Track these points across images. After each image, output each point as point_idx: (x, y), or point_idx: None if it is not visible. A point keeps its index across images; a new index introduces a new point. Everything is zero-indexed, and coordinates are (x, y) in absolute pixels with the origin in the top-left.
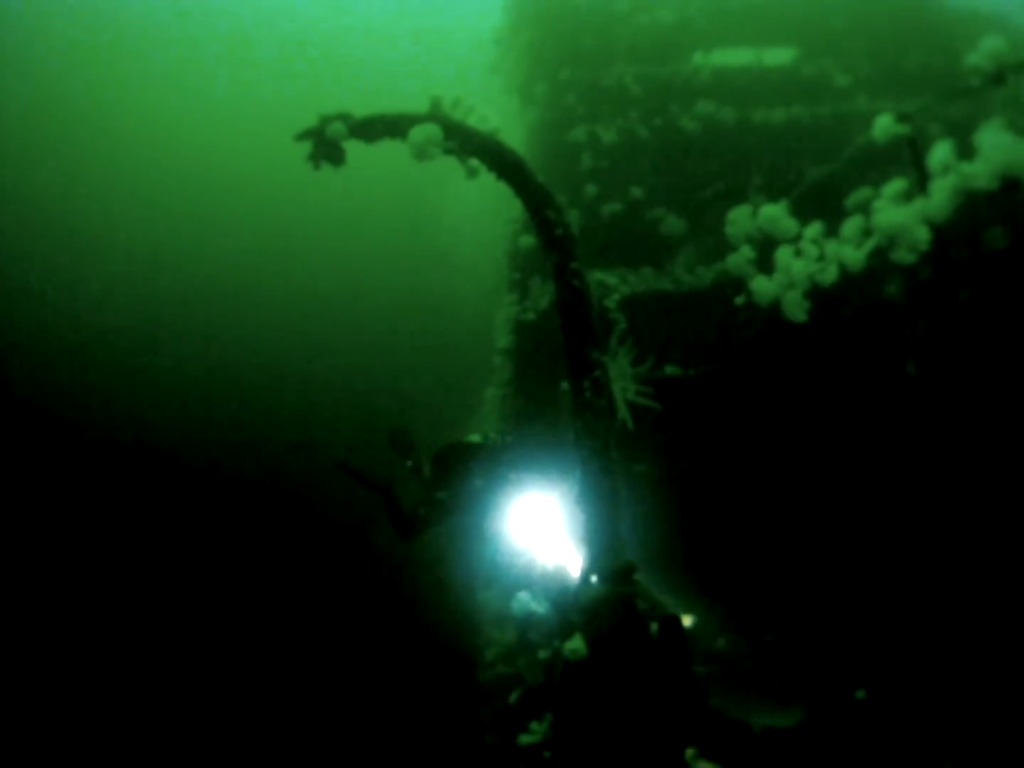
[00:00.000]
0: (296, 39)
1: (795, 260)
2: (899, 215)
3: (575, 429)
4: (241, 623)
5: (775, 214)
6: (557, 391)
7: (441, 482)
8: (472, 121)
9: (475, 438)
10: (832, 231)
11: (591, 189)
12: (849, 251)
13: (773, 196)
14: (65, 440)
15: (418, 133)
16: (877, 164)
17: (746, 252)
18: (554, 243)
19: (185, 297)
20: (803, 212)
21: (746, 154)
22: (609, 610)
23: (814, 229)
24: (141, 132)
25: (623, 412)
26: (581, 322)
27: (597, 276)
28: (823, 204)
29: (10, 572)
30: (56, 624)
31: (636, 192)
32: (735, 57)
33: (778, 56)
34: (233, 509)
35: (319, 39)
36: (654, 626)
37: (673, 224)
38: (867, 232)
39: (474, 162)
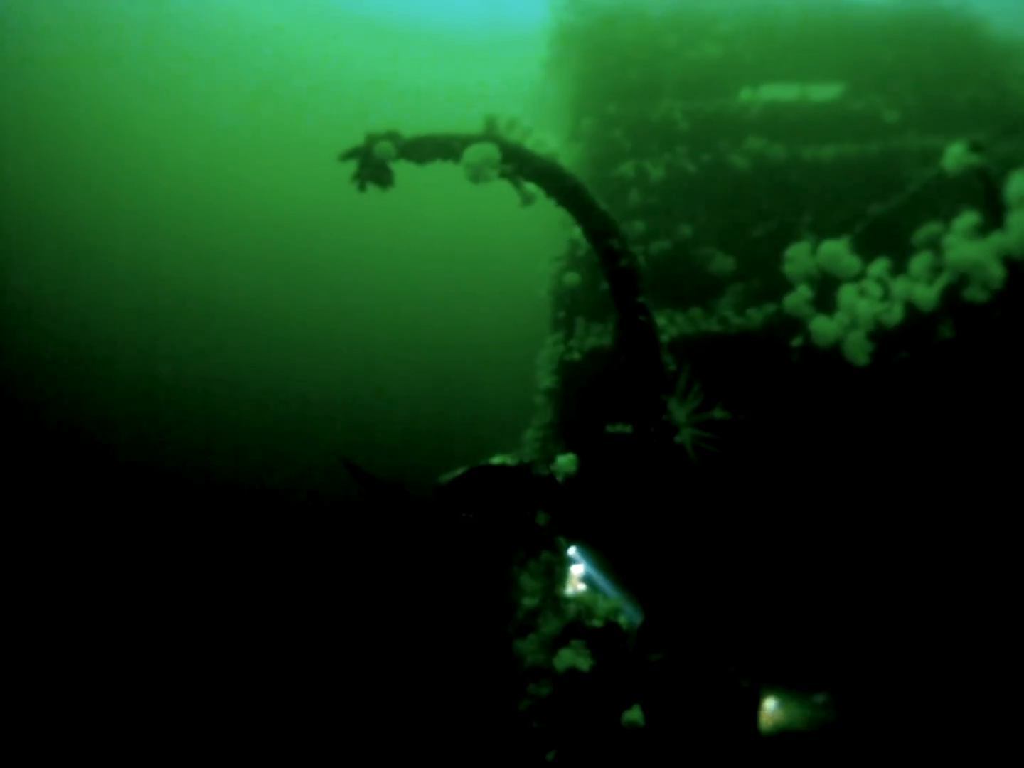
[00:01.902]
0: (335, 81)
1: (860, 299)
2: (973, 251)
3: (641, 478)
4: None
5: (836, 251)
6: (603, 435)
7: (465, 504)
8: (529, 144)
9: (508, 460)
10: (894, 269)
11: (638, 226)
12: (921, 289)
13: (823, 234)
14: (68, 456)
15: (474, 153)
16: (937, 199)
17: (804, 292)
18: (618, 275)
19: (196, 316)
20: (862, 249)
21: (796, 192)
22: (679, 681)
23: (879, 266)
24: (148, 155)
25: (695, 459)
26: (648, 361)
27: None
28: (883, 241)
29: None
30: (60, 633)
31: (685, 230)
32: (783, 92)
33: (825, 92)
34: (266, 534)
35: (357, 88)
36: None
37: (722, 263)
38: (937, 269)
39: (530, 188)
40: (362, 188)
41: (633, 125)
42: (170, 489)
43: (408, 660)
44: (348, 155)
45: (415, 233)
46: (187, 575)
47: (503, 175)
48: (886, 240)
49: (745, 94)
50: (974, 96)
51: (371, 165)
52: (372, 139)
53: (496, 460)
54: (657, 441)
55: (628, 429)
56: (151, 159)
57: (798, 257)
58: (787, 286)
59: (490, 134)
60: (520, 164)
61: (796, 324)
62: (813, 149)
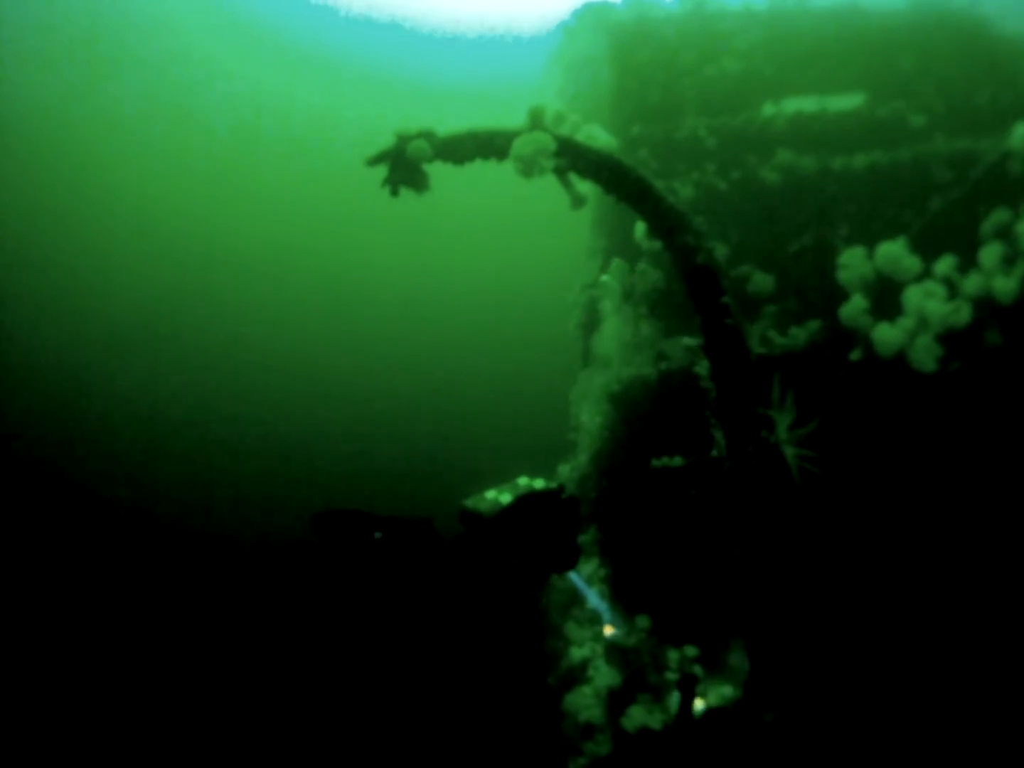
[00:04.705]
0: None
1: (928, 301)
2: None
3: (732, 505)
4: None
5: (895, 253)
6: (647, 468)
7: (510, 536)
8: (580, 139)
9: (539, 483)
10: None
11: None
12: (1000, 281)
13: (862, 244)
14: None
15: (526, 143)
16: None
17: (859, 301)
18: (696, 273)
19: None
20: (920, 249)
21: (830, 203)
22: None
23: (946, 264)
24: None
25: (798, 482)
26: (740, 369)
27: (684, 341)
28: (938, 238)
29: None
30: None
31: (719, 249)
32: (806, 104)
33: (848, 101)
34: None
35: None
36: None
37: (761, 281)
38: (1010, 259)
39: (583, 189)
40: (394, 193)
41: (658, 145)
42: (167, 528)
43: (441, 713)
44: (378, 159)
45: (417, 274)
46: (182, 619)
47: (555, 171)
48: (941, 237)
49: (768, 108)
50: (994, 96)
51: (404, 167)
52: (404, 139)
53: (537, 484)
54: (757, 461)
55: (676, 462)
56: (151, 198)
57: (853, 263)
58: (827, 301)
59: (537, 127)
60: (574, 159)
61: (846, 338)
62: (843, 159)
